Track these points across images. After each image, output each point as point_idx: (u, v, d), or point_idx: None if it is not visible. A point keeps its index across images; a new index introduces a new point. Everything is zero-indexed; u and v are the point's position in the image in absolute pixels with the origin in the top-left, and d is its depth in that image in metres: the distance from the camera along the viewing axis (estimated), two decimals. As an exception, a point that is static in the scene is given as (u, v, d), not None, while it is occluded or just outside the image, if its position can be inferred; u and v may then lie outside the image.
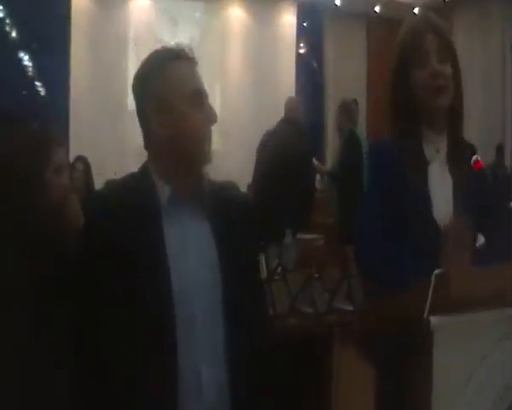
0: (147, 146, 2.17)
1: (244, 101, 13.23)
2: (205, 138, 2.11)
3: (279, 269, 4.15)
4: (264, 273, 3.90)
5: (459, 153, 2.37)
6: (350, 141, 7.95)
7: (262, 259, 3.92)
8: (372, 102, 13.71)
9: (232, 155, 10.58)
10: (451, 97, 2.34)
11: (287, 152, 6.95)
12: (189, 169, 2.11)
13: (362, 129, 9.98)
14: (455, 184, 2.33)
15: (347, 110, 8.20)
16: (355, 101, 8.90)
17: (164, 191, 2.07)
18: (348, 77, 13.81)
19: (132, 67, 12.41)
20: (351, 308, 3.91)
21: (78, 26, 12.04)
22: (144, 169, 2.15)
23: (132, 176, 2.20)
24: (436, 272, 1.55)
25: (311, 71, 14.93)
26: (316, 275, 3.94)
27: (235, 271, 2.07)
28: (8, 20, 12.45)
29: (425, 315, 1.55)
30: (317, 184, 8.66)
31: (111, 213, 2.02)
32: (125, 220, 1.99)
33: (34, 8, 12.38)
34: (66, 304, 2.05)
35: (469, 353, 1.58)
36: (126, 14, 12.51)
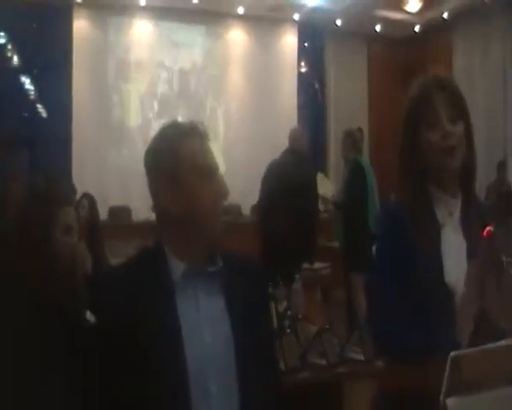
0: (159, 221, 2.15)
1: (247, 122, 13.31)
2: (216, 213, 2.10)
3: (288, 313, 4.16)
4: (274, 319, 3.89)
5: (473, 215, 2.31)
6: (355, 171, 7.95)
7: (272, 305, 3.92)
8: (374, 121, 13.77)
9: (235, 176, 10.58)
10: (463, 157, 2.28)
11: (291, 182, 6.94)
12: (201, 244, 2.10)
13: (366, 155, 10.02)
14: (468, 248, 2.27)
15: (353, 139, 8.19)
16: (360, 130, 8.91)
17: (177, 267, 2.06)
18: (350, 95, 13.88)
19: (134, 92, 12.47)
20: (362, 358, 3.89)
21: (80, 50, 12.13)
22: (158, 244, 2.13)
23: (146, 252, 2.18)
24: (452, 354, 1.54)
25: (312, 90, 14.93)
26: (326, 326, 3.92)
27: (248, 341, 2.06)
28: (10, 46, 12.48)
29: (441, 398, 1.53)
30: (321, 206, 8.62)
31: (124, 291, 2.00)
32: (138, 299, 1.98)
33: (36, 33, 12.40)
34: (78, 376, 2.05)
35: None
36: (128, 39, 12.59)
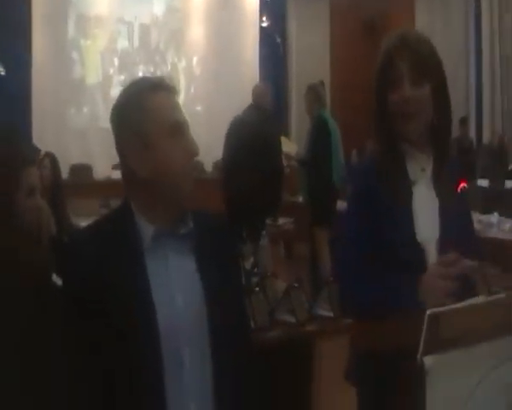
0: (126, 182, 2.07)
1: (208, 77, 13.24)
2: (186, 172, 2.02)
3: (255, 270, 4.15)
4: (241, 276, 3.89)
5: (446, 172, 2.26)
6: (319, 126, 7.91)
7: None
8: (336, 74, 13.75)
9: (197, 132, 10.43)
10: (427, 120, 2.22)
11: (255, 140, 6.88)
12: (171, 205, 2.02)
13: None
14: (441, 205, 2.23)
15: (316, 93, 8.12)
16: (321, 83, 8.86)
17: (147, 229, 1.98)
18: (311, 49, 13.85)
19: (94, 48, 12.30)
20: (331, 315, 3.90)
21: (39, 6, 11.90)
22: (126, 206, 2.04)
23: (115, 214, 2.12)
24: (429, 312, 1.52)
25: (274, 44, 14.85)
26: (295, 284, 3.91)
27: (220, 301, 2.00)
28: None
29: (418, 357, 1.52)
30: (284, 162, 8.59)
31: (93, 255, 1.94)
32: (107, 262, 1.91)
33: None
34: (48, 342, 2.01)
35: (462, 386, 1.57)
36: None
